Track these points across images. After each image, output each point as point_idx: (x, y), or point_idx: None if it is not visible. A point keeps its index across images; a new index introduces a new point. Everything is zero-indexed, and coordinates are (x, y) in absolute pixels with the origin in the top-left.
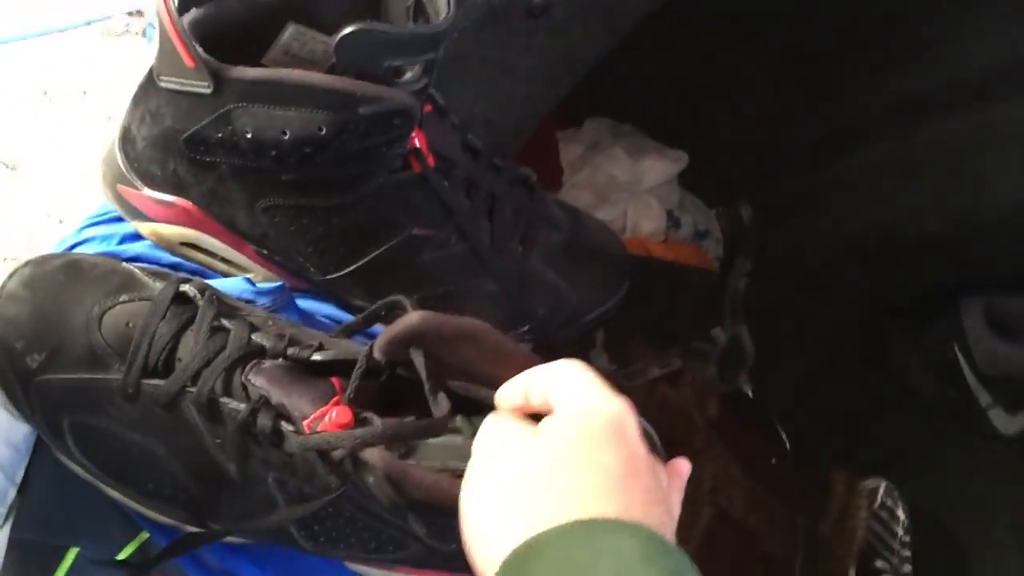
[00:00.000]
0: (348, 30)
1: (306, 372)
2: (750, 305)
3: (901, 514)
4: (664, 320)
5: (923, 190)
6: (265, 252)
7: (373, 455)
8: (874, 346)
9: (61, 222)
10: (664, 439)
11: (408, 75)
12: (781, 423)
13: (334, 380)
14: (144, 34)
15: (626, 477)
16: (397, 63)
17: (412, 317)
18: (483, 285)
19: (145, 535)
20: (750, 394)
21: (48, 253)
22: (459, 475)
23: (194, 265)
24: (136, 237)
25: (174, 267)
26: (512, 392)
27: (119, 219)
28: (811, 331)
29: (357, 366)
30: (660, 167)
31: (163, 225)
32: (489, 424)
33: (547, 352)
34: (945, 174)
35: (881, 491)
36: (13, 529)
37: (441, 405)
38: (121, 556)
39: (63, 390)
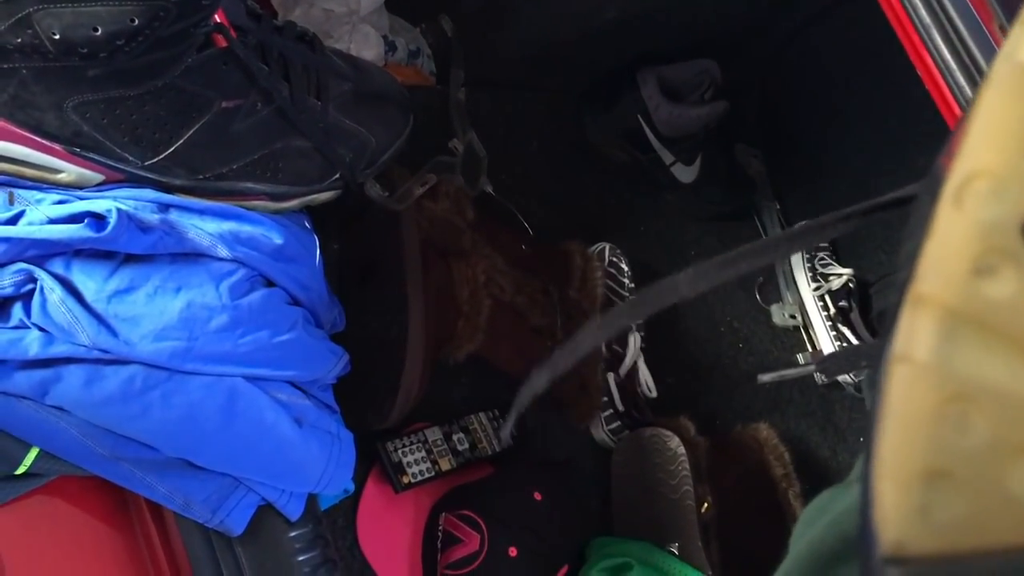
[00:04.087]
0: None
1: None
2: (472, 112)
3: (624, 266)
4: (410, 142)
5: None
6: (77, 150)
7: None
8: (576, 130)
9: None
10: (439, 247)
11: None
12: (521, 213)
13: None
14: None
15: None
16: None
17: None
18: (293, 143)
19: (36, 450)
20: (492, 193)
21: None
22: None
23: (3, 177)
24: None
25: None
26: None
27: None
28: (526, 127)
29: None
30: None
31: None
32: None
33: None
34: None
35: (607, 252)
36: None
37: None
38: (20, 470)
39: None
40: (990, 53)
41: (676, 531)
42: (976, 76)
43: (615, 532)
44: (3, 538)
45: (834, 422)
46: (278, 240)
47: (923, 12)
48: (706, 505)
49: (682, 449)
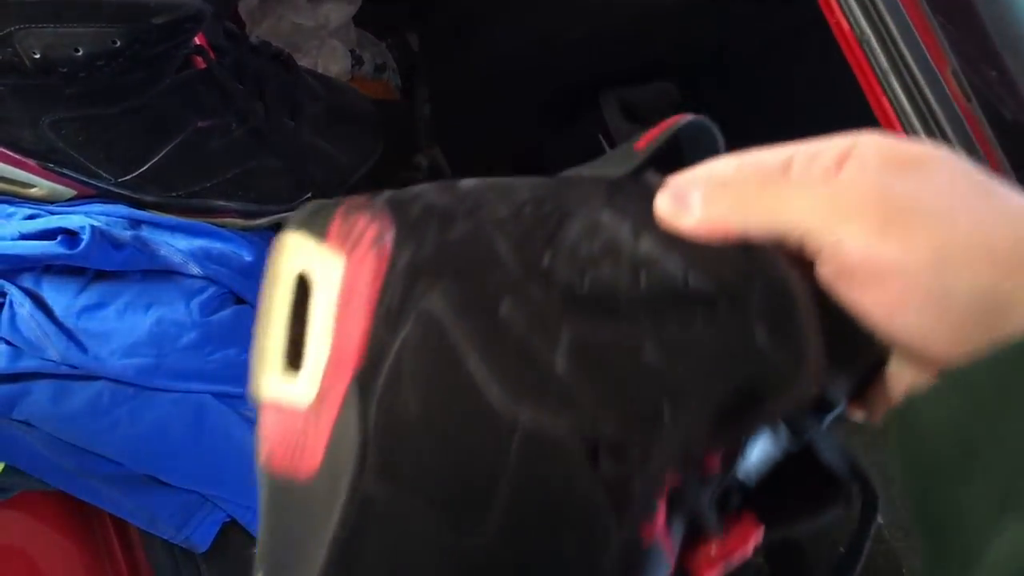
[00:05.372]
0: None
1: None
2: (437, 128)
3: None
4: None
5: (566, 2)
6: (52, 166)
7: None
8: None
9: None
10: None
11: None
12: None
13: None
14: None
15: None
16: None
17: None
18: (266, 162)
19: (1, 464)
20: None
21: None
22: None
23: None
24: None
25: None
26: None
27: None
28: (489, 142)
29: None
30: (340, 9)
31: None
32: None
33: None
34: None
35: None
36: None
37: None
38: None
39: None
40: (943, 98)
41: None
42: (929, 119)
43: None
44: None
45: None
46: (248, 257)
47: (881, 57)
48: None
49: None
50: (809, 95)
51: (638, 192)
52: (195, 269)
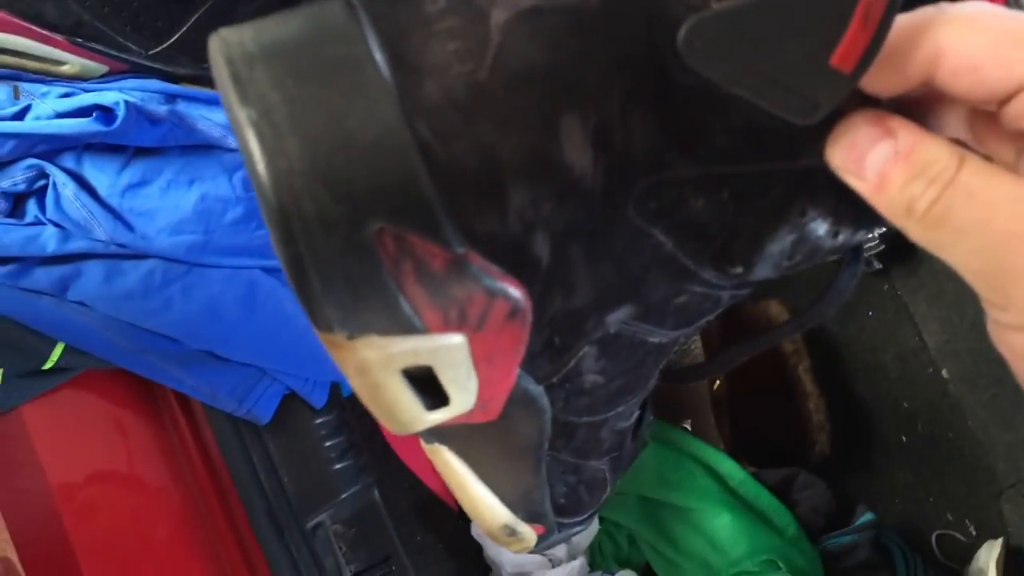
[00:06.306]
0: None
1: None
2: None
3: None
4: None
5: None
6: (80, 41)
7: None
8: None
9: None
10: None
11: None
12: None
13: None
14: None
15: None
16: None
17: None
18: None
19: (62, 345)
20: None
21: None
22: None
23: (5, 71)
24: None
25: None
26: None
27: None
28: None
29: None
30: None
31: None
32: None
33: None
34: None
35: None
36: None
37: None
38: (48, 365)
39: None
40: None
41: (689, 408)
42: None
43: None
44: (35, 430)
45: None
46: None
47: None
48: (718, 382)
49: None
50: None
51: None
52: (234, 143)
